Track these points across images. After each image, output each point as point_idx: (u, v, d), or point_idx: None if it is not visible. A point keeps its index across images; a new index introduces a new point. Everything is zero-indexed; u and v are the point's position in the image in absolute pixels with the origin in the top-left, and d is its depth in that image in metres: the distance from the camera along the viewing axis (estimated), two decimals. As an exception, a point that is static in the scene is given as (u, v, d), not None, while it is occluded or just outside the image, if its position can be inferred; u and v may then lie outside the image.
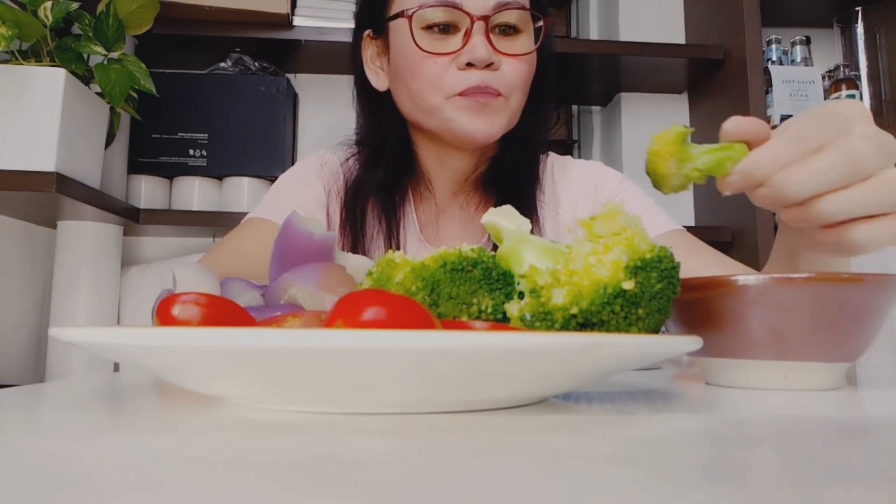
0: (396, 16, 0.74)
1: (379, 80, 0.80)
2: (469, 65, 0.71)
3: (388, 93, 0.79)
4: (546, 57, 0.79)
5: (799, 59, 1.64)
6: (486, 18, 0.71)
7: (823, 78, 1.61)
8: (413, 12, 0.72)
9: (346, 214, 0.79)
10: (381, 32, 0.78)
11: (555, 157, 0.88)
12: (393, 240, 0.77)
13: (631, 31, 1.61)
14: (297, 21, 1.43)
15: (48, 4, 1.00)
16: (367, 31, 0.80)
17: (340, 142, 0.86)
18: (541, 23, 0.76)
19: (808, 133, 0.37)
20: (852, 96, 1.55)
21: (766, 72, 1.53)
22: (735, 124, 0.40)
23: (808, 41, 1.65)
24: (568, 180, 0.85)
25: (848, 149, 0.37)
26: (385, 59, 0.79)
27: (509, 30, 0.74)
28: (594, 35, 1.69)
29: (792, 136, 0.38)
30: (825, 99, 1.58)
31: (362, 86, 0.81)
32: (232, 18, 1.39)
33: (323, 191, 0.81)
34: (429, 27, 0.72)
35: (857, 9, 1.64)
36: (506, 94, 0.73)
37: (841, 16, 1.68)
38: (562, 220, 0.82)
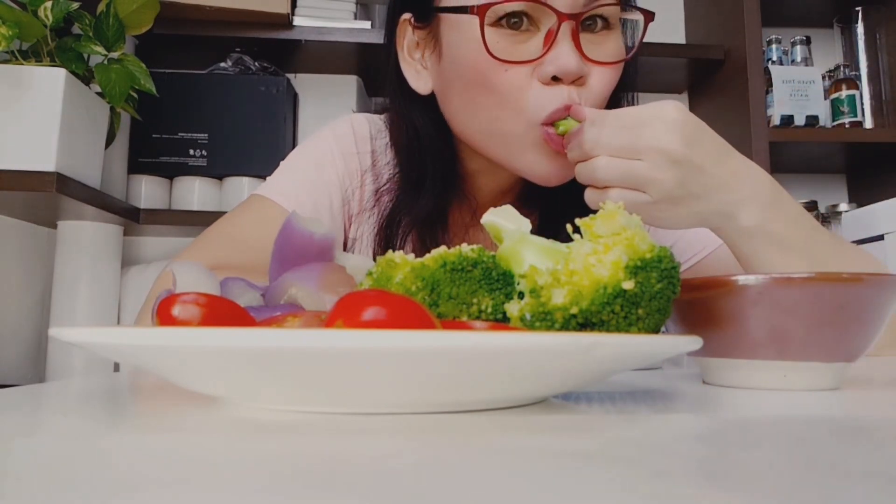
0: (457, 9, 0.57)
1: (420, 81, 0.64)
2: (554, 78, 0.56)
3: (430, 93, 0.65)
4: (629, 63, 0.63)
5: (799, 59, 1.64)
6: (576, 17, 0.56)
7: (823, 78, 1.61)
8: (485, 3, 0.55)
9: (381, 239, 0.68)
10: (427, 20, 0.62)
11: None
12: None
13: (631, 31, 1.60)
14: (297, 21, 1.43)
15: (48, 4, 1.00)
16: (407, 15, 0.63)
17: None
18: (636, 16, 0.61)
19: (612, 125, 0.52)
20: (852, 96, 1.55)
21: (767, 72, 1.53)
22: (574, 111, 0.56)
23: (808, 41, 1.65)
24: None
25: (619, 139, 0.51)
26: (432, 55, 0.63)
27: (598, 26, 0.59)
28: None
29: (600, 123, 0.52)
30: (825, 99, 1.58)
31: (398, 81, 0.65)
32: (232, 18, 1.39)
33: (345, 174, 0.69)
34: (499, 21, 0.56)
35: (857, 9, 1.64)
36: None
37: (841, 16, 1.68)
38: None
